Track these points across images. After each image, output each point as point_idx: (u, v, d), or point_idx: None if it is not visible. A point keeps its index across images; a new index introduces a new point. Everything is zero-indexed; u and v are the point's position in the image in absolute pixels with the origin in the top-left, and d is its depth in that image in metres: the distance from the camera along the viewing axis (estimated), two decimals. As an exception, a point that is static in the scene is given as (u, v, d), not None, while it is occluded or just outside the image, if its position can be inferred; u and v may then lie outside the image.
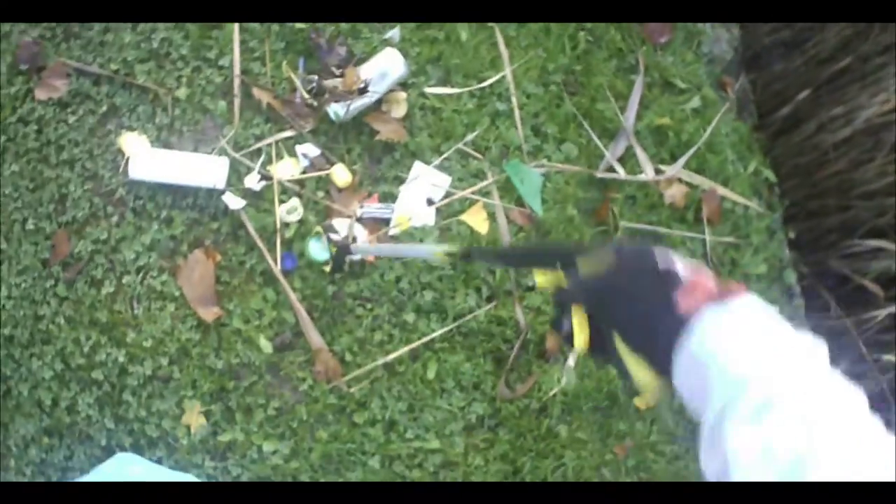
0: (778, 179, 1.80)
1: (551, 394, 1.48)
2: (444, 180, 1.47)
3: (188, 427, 1.41)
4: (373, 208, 1.44)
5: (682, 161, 1.63)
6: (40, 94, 1.54)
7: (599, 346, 0.61)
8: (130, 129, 1.51)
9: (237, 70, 1.48)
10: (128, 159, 1.48)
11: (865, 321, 1.79)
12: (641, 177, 1.59)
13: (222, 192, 1.44)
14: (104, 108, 1.52)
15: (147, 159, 1.47)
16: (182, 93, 1.49)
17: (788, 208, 1.81)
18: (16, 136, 1.57)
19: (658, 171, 1.61)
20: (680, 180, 1.64)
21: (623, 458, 1.54)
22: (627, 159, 1.61)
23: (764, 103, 1.88)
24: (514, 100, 1.52)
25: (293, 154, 1.47)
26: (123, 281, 1.46)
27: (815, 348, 0.52)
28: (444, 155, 1.49)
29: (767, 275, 1.74)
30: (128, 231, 1.48)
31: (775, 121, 1.87)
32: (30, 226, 1.52)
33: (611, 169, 1.58)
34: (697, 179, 1.65)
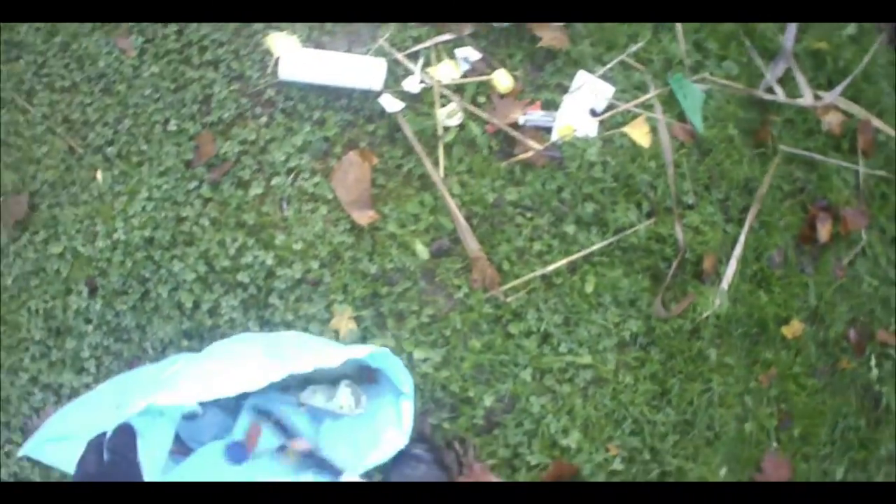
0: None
1: (704, 316, 1.42)
2: (608, 90, 1.41)
3: (337, 332, 1.36)
4: (536, 116, 1.39)
5: (839, 88, 1.56)
6: (185, -8, 1.50)
7: None
8: (278, 28, 1.46)
9: (397, -32, 1.43)
10: (277, 59, 1.43)
11: None
12: (800, 101, 1.53)
13: (379, 94, 1.39)
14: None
15: (298, 59, 1.42)
16: (339, -10, 1.44)
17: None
18: (155, 38, 1.53)
19: (816, 97, 1.55)
20: (837, 108, 1.57)
21: (766, 387, 1.49)
22: (786, 82, 1.55)
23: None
24: (679, 10, 1.46)
25: (453, 57, 1.42)
26: (273, 182, 1.42)
27: None
28: (608, 65, 1.43)
29: (916, 214, 1.67)
30: (277, 132, 1.43)
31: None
32: (172, 127, 1.48)
33: (770, 90, 1.52)
34: (853, 109, 1.59)
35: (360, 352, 1.11)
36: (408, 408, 1.19)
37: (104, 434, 0.92)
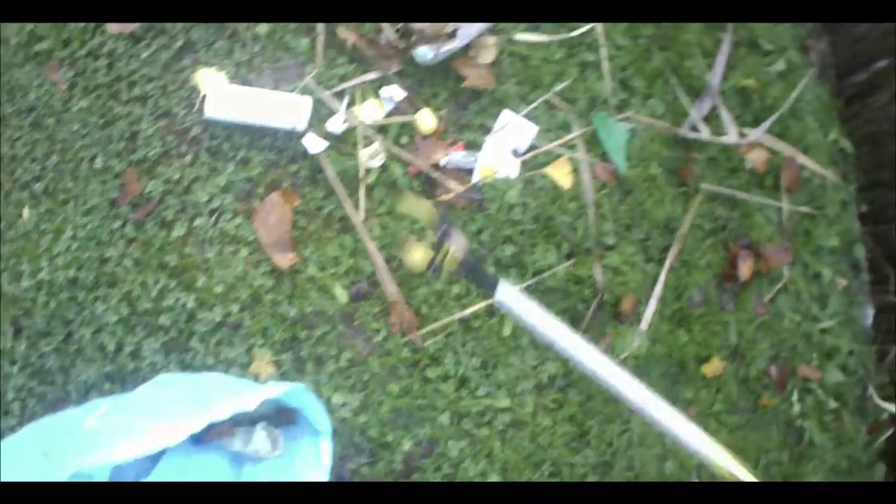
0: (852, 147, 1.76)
1: (623, 356, 1.44)
2: (532, 130, 1.42)
3: (256, 376, 1.37)
4: (458, 157, 1.40)
5: (765, 125, 1.58)
6: (112, 28, 1.49)
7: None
8: (207, 64, 1.46)
9: (320, 9, 1.43)
10: (203, 97, 1.43)
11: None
12: (725, 139, 1.55)
13: (303, 134, 1.39)
14: (179, 43, 1.46)
15: (224, 97, 1.41)
16: (262, 28, 1.44)
17: (861, 177, 1.77)
18: (85, 71, 1.52)
19: (741, 135, 1.57)
20: (762, 145, 1.59)
21: (688, 426, 1.51)
22: (711, 120, 1.56)
23: (841, 66, 1.83)
24: (603, 51, 1.47)
25: (377, 97, 1.42)
26: (195, 223, 1.42)
27: None
28: (532, 105, 1.44)
29: (838, 248, 1.70)
30: (202, 171, 1.43)
31: (851, 85, 1.82)
32: (98, 164, 1.48)
33: (695, 128, 1.53)
34: (779, 146, 1.61)
35: (277, 390, 1.13)
36: (326, 447, 1.21)
37: None
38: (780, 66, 1.63)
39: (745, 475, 0.90)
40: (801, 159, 1.62)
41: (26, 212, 1.50)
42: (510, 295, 0.95)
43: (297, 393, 1.16)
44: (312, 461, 1.22)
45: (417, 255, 1.34)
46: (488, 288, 0.96)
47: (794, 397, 1.59)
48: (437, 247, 1.04)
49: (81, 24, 1.50)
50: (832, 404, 1.65)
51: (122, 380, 1.42)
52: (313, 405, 1.20)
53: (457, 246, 1.01)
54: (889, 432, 1.74)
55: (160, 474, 1.29)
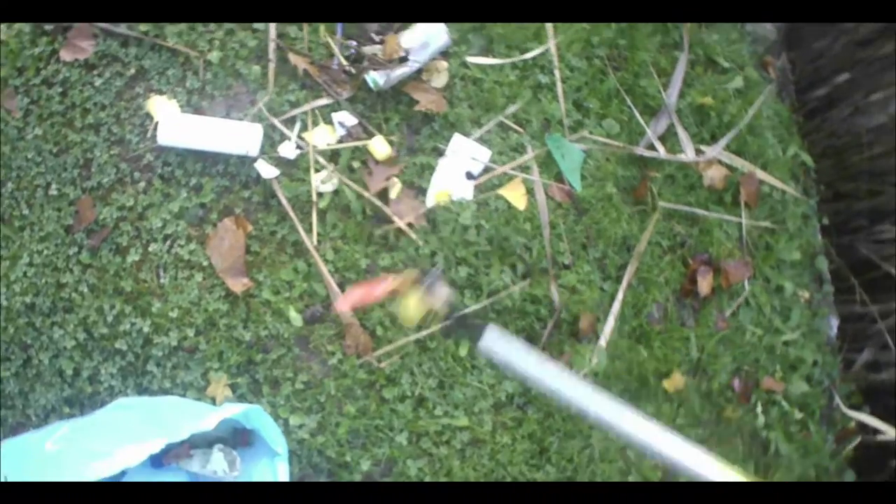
0: (812, 160, 1.76)
1: (582, 374, 1.44)
2: (484, 154, 1.43)
3: (213, 399, 1.37)
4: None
5: (722, 143, 1.59)
6: (65, 56, 1.49)
7: None
8: (159, 92, 1.46)
9: (273, 34, 1.43)
10: (156, 124, 1.43)
11: (891, 310, 1.77)
12: (682, 157, 1.55)
13: (255, 160, 1.40)
14: (132, 71, 1.47)
15: (176, 124, 1.42)
16: (214, 56, 1.44)
17: (822, 190, 1.78)
18: (39, 99, 1.52)
19: (698, 152, 1.58)
20: (720, 162, 1.60)
21: (650, 441, 1.51)
22: (668, 138, 1.57)
23: (801, 82, 1.84)
24: (556, 73, 1.48)
25: (329, 122, 1.42)
26: (150, 249, 1.42)
27: None
28: (485, 128, 1.44)
29: (800, 261, 1.71)
30: (155, 198, 1.43)
31: (812, 100, 1.84)
32: (53, 191, 1.47)
33: (651, 147, 1.54)
34: (737, 162, 1.62)
35: (233, 410, 1.14)
36: (283, 469, 1.21)
37: None
38: (737, 83, 1.64)
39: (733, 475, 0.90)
40: (761, 175, 1.63)
41: (-17, 239, 1.50)
42: (497, 339, 0.95)
43: (253, 413, 1.17)
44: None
45: (412, 308, 1.27)
46: (477, 336, 0.96)
47: (759, 409, 1.59)
48: (426, 298, 1.05)
49: (36, 52, 1.50)
50: (798, 415, 1.65)
51: (81, 404, 1.42)
52: (270, 427, 1.21)
53: (441, 299, 1.02)
54: (857, 440, 1.75)
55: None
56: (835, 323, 1.79)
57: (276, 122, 1.41)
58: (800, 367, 1.67)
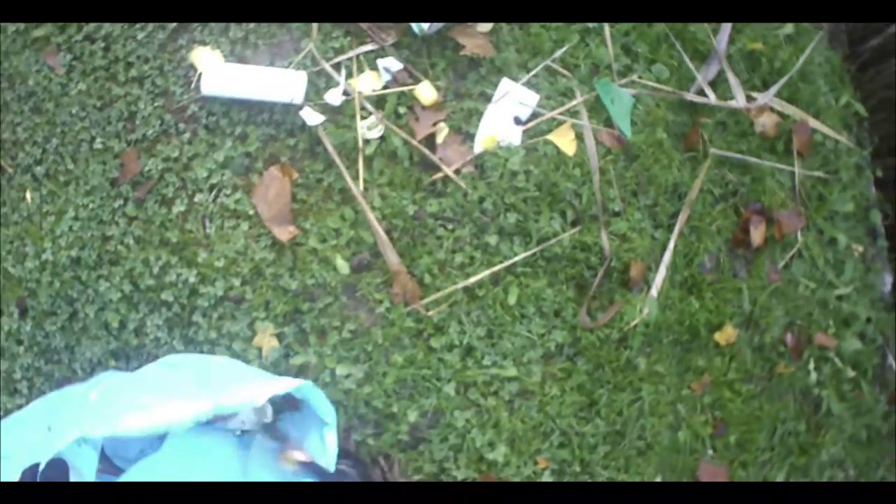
0: (867, 112, 1.71)
1: (632, 324, 1.41)
2: (532, 98, 1.40)
3: (260, 349, 1.36)
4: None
5: (774, 89, 1.54)
6: (108, 9, 1.49)
7: None
8: (202, 43, 1.45)
9: (315, -20, 1.41)
10: (200, 75, 1.42)
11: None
12: (732, 103, 1.51)
13: (300, 108, 1.38)
14: (174, 23, 1.46)
15: (220, 74, 1.41)
16: (258, 3, 1.42)
17: (876, 141, 1.73)
18: (82, 55, 1.52)
19: (749, 98, 1.53)
20: (771, 109, 1.56)
21: (699, 395, 1.48)
22: (719, 84, 1.53)
23: (854, 32, 1.79)
24: (604, 15, 1.44)
25: (374, 68, 1.40)
26: (195, 199, 1.41)
27: None
28: (532, 72, 1.41)
29: (854, 213, 1.66)
30: (200, 148, 1.42)
31: (865, 51, 1.78)
32: (98, 145, 1.47)
33: (701, 92, 1.50)
34: (789, 109, 1.57)
35: (286, 385, 1.11)
36: (332, 438, 1.19)
37: (37, 465, 0.94)
38: (788, 29, 1.60)
39: None
40: (813, 123, 1.58)
41: (28, 195, 1.51)
42: None
43: (305, 388, 1.15)
44: (319, 450, 1.21)
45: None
46: None
47: (811, 366, 1.55)
48: None
49: (79, 6, 1.49)
50: (850, 373, 1.61)
51: (127, 356, 1.42)
52: (320, 398, 1.18)
53: None
54: (910, 402, 1.70)
55: (166, 455, 1.28)
56: (889, 279, 1.74)
57: (326, 65, 1.39)
58: (853, 323, 1.62)
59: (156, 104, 1.46)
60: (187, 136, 1.43)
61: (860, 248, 1.62)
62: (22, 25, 1.57)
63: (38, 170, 1.51)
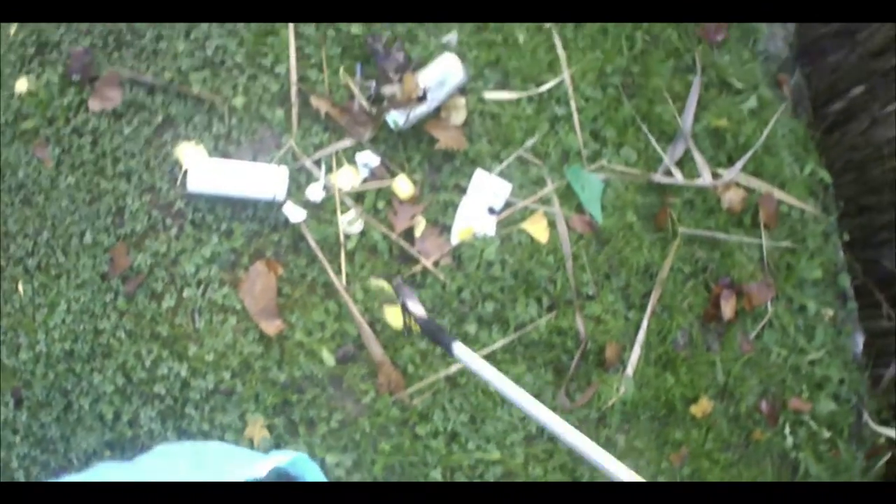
0: (832, 176, 1.77)
1: (610, 403, 1.46)
2: (505, 188, 1.45)
3: (251, 440, 1.40)
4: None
5: (738, 164, 1.60)
6: (94, 105, 1.54)
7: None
8: (187, 139, 1.50)
9: (294, 77, 1.47)
10: (185, 171, 1.47)
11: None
12: (699, 181, 1.57)
13: (282, 204, 1.43)
14: (159, 119, 1.50)
15: (205, 170, 1.45)
16: (238, 101, 1.47)
17: (842, 206, 1.78)
18: (71, 148, 1.57)
19: (715, 175, 1.59)
20: (737, 184, 1.61)
21: (678, 467, 1.53)
22: (685, 163, 1.58)
23: (818, 97, 1.84)
24: (572, 103, 1.50)
25: (353, 163, 1.46)
26: (184, 294, 1.45)
27: None
28: (505, 162, 1.47)
29: (822, 279, 1.71)
30: (187, 244, 1.47)
31: (829, 115, 1.84)
32: (88, 239, 1.52)
33: (669, 173, 1.56)
34: (755, 183, 1.62)
35: (282, 459, 1.16)
36: None
37: None
38: (751, 103, 1.65)
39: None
40: (779, 194, 1.64)
41: (21, 286, 1.55)
42: (465, 353, 0.97)
43: (300, 461, 1.20)
44: None
45: (391, 317, 1.39)
46: (447, 346, 0.99)
47: (787, 430, 1.60)
48: (403, 312, 1.10)
49: (65, 102, 1.54)
50: (826, 434, 1.66)
51: (122, 447, 1.46)
52: (315, 473, 1.23)
53: (415, 309, 1.06)
54: (888, 456, 1.74)
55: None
56: (860, 339, 1.79)
57: (306, 161, 1.44)
58: (826, 385, 1.68)
59: (143, 199, 1.51)
60: (174, 231, 1.48)
61: (830, 313, 1.68)
62: (11, 117, 1.61)
63: (30, 262, 1.55)
